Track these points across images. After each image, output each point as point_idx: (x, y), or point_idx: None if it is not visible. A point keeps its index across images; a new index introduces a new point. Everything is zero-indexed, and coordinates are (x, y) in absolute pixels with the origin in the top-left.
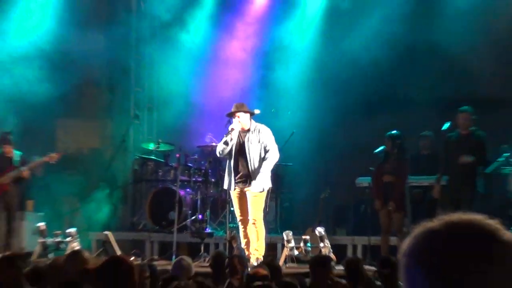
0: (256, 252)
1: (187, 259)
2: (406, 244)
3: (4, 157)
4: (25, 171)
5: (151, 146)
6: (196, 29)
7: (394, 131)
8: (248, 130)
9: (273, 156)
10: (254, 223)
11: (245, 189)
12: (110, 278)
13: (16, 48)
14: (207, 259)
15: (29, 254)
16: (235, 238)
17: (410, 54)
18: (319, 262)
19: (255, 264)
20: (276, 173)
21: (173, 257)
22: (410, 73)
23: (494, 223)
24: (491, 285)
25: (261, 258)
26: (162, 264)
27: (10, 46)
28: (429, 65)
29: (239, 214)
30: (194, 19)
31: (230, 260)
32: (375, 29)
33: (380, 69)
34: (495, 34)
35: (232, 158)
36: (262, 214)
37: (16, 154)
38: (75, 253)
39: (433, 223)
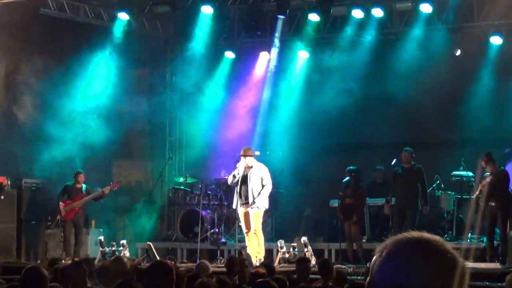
0: (258, 254)
1: (206, 262)
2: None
3: (76, 188)
4: (104, 191)
5: (181, 179)
6: (211, 93)
7: (351, 166)
8: (251, 167)
9: (268, 187)
10: (255, 233)
11: (248, 209)
12: (156, 276)
13: (84, 105)
14: (222, 261)
15: (93, 259)
16: (244, 248)
17: (367, 103)
18: (302, 259)
19: (257, 264)
20: (272, 198)
21: (197, 260)
22: (368, 119)
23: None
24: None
25: (262, 259)
26: (189, 266)
27: (79, 103)
28: (383, 113)
29: (244, 227)
30: (209, 87)
31: (240, 262)
32: (340, 87)
33: (345, 116)
34: (436, 89)
35: (239, 186)
36: (261, 226)
37: (83, 186)
38: (118, 258)
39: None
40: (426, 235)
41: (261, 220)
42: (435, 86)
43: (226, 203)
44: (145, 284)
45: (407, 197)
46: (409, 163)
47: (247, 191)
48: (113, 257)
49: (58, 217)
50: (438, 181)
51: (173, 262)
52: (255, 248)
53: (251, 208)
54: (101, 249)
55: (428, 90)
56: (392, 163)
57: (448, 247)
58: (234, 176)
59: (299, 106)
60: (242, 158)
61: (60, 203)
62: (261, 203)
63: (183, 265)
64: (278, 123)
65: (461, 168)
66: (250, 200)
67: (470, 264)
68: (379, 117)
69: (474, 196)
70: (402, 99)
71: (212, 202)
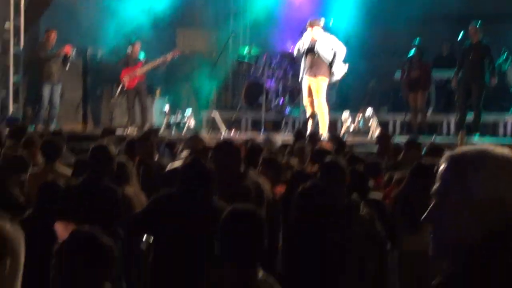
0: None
1: (272, 136)
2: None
3: (134, 56)
4: (166, 58)
5: (245, 51)
6: None
7: (417, 39)
8: (318, 38)
9: (341, 51)
10: (319, 104)
11: (313, 78)
12: (224, 153)
13: None
14: (286, 131)
15: (158, 129)
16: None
17: None
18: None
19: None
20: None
21: (262, 129)
22: None
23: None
24: None
25: (323, 134)
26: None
27: None
28: None
29: (306, 98)
30: None
31: (312, 134)
32: None
33: None
34: None
35: (304, 57)
36: (324, 98)
37: (141, 54)
38: (195, 136)
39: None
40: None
41: (325, 90)
42: None
43: (290, 74)
44: (214, 162)
45: (474, 72)
46: (476, 38)
47: (312, 61)
48: (190, 135)
49: (121, 86)
50: (505, 55)
51: (238, 132)
52: (321, 122)
53: (316, 77)
54: (166, 119)
55: None
56: (459, 37)
57: None
58: (298, 50)
59: None
60: (308, 29)
61: (122, 72)
62: (338, 71)
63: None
64: None
65: None
66: (316, 71)
67: None
68: None
69: None
70: None
71: (277, 73)
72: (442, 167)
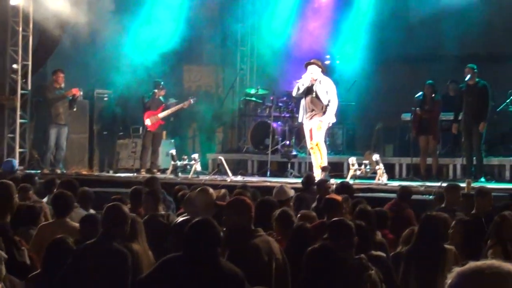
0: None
1: (285, 187)
2: (452, 279)
3: (157, 99)
4: (184, 105)
5: (252, 91)
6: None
7: (429, 81)
8: (316, 80)
9: (333, 103)
10: (317, 145)
11: (311, 121)
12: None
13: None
14: (293, 174)
15: (164, 170)
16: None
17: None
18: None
19: (322, 177)
20: (343, 110)
21: (268, 172)
22: (441, 30)
23: None
24: None
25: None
26: (260, 181)
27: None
28: (457, 24)
29: (309, 142)
30: None
31: (321, 182)
32: None
33: (419, 26)
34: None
35: (304, 99)
36: (323, 138)
37: (162, 97)
38: (203, 190)
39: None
40: None
41: (323, 132)
42: None
43: (297, 115)
44: (224, 220)
45: (472, 114)
46: (472, 79)
47: (311, 103)
48: (199, 188)
49: (144, 128)
50: (511, 97)
51: (244, 177)
52: (318, 161)
53: (315, 119)
54: (172, 162)
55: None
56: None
57: None
58: (298, 88)
59: (371, 12)
60: (308, 68)
61: (145, 114)
62: (326, 118)
63: (253, 179)
64: (349, 31)
65: None
66: (317, 112)
67: None
68: (452, 28)
69: None
70: (474, 10)
71: (283, 114)
72: (450, 282)
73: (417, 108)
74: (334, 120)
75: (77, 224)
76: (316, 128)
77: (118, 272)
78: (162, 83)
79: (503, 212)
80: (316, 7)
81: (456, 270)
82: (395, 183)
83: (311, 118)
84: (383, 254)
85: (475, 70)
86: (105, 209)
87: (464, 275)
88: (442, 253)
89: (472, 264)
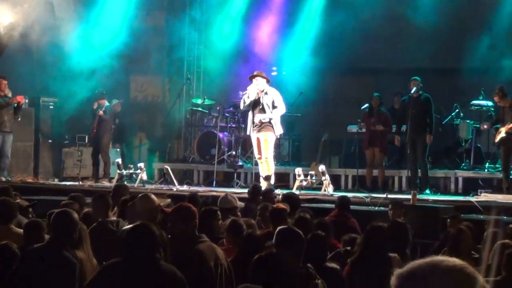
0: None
1: (231, 196)
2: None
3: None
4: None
5: (199, 101)
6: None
7: (376, 93)
8: (263, 91)
9: (280, 109)
10: (266, 160)
11: (259, 134)
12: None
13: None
14: (239, 184)
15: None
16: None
17: (387, 26)
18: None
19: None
20: (289, 121)
21: (214, 182)
22: (386, 43)
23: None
24: None
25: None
26: (205, 191)
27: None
28: (402, 37)
29: (257, 153)
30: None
31: (267, 192)
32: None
33: (363, 38)
34: (456, 15)
35: (251, 112)
36: (272, 153)
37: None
38: (145, 196)
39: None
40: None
41: (272, 146)
42: (455, 12)
43: (243, 126)
44: (169, 228)
45: (416, 126)
46: (417, 92)
47: (259, 115)
48: (141, 194)
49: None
50: (457, 110)
51: (190, 187)
52: (265, 173)
53: (263, 133)
54: (118, 171)
55: (448, 15)
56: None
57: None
58: (244, 101)
59: (318, 25)
60: (254, 81)
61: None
62: (275, 129)
63: (199, 188)
64: (295, 43)
65: (481, 97)
66: (264, 124)
67: (489, 196)
68: (397, 41)
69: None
70: (423, 23)
71: (229, 125)
72: (393, 284)
73: (361, 122)
74: (281, 131)
75: (21, 231)
76: (263, 144)
77: (66, 281)
78: (104, 92)
79: (460, 225)
80: (264, 18)
81: (396, 272)
82: (341, 194)
83: (258, 131)
84: (337, 267)
85: (420, 84)
86: (55, 215)
87: (402, 275)
88: (387, 261)
89: (410, 263)
